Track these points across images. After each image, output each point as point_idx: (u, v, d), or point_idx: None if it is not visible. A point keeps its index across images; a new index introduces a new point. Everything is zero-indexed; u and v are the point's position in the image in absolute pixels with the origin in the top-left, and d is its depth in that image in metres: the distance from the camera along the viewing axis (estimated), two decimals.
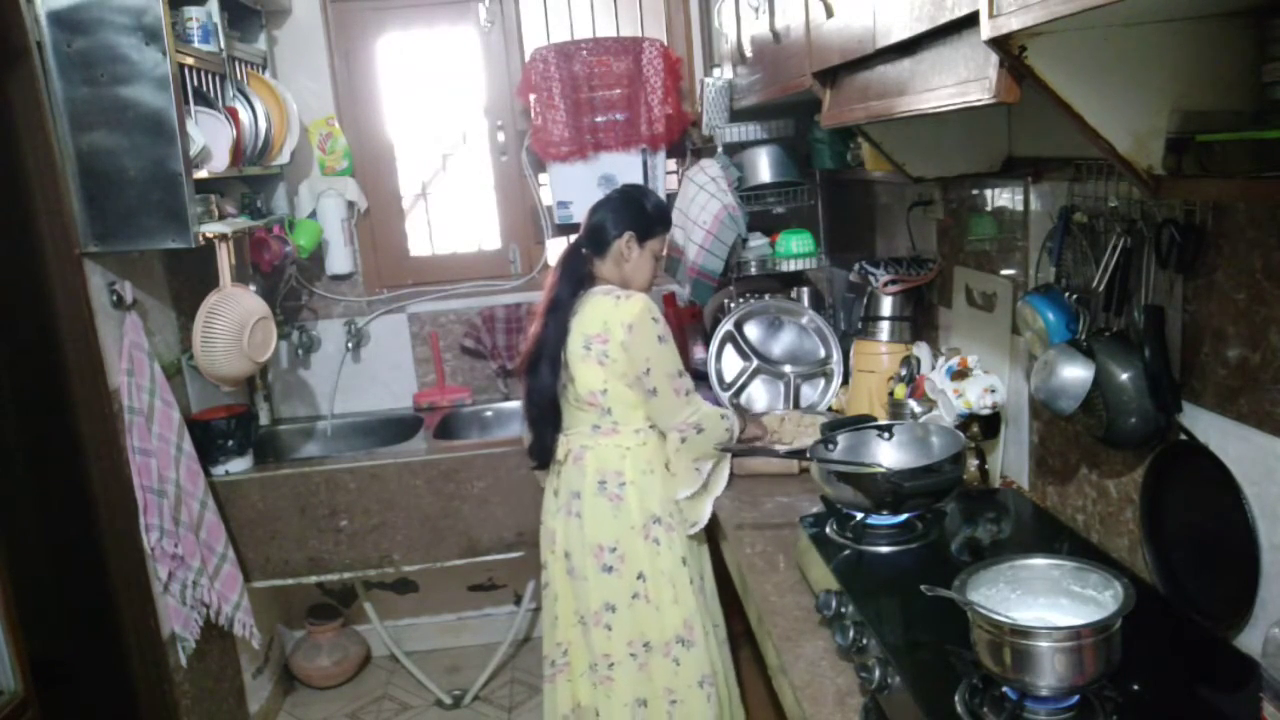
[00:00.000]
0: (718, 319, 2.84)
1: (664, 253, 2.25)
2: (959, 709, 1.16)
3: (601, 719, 2.12)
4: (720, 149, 2.77)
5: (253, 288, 2.73)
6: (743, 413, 2.34)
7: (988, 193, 1.98)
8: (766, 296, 2.83)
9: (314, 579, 2.92)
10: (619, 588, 2.08)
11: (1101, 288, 1.46)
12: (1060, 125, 1.14)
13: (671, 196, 2.90)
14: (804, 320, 2.76)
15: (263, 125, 2.72)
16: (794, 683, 1.39)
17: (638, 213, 2.17)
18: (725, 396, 2.70)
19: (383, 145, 3.31)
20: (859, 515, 1.71)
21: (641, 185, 2.31)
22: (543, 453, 2.22)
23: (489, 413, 3.34)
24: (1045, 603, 1.24)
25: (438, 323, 3.37)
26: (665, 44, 3.17)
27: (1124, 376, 1.39)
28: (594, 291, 2.13)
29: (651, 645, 2.08)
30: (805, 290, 2.90)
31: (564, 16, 3.30)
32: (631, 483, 2.10)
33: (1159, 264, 1.36)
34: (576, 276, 2.16)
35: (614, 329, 2.05)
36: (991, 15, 1.03)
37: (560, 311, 2.13)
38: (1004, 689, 1.15)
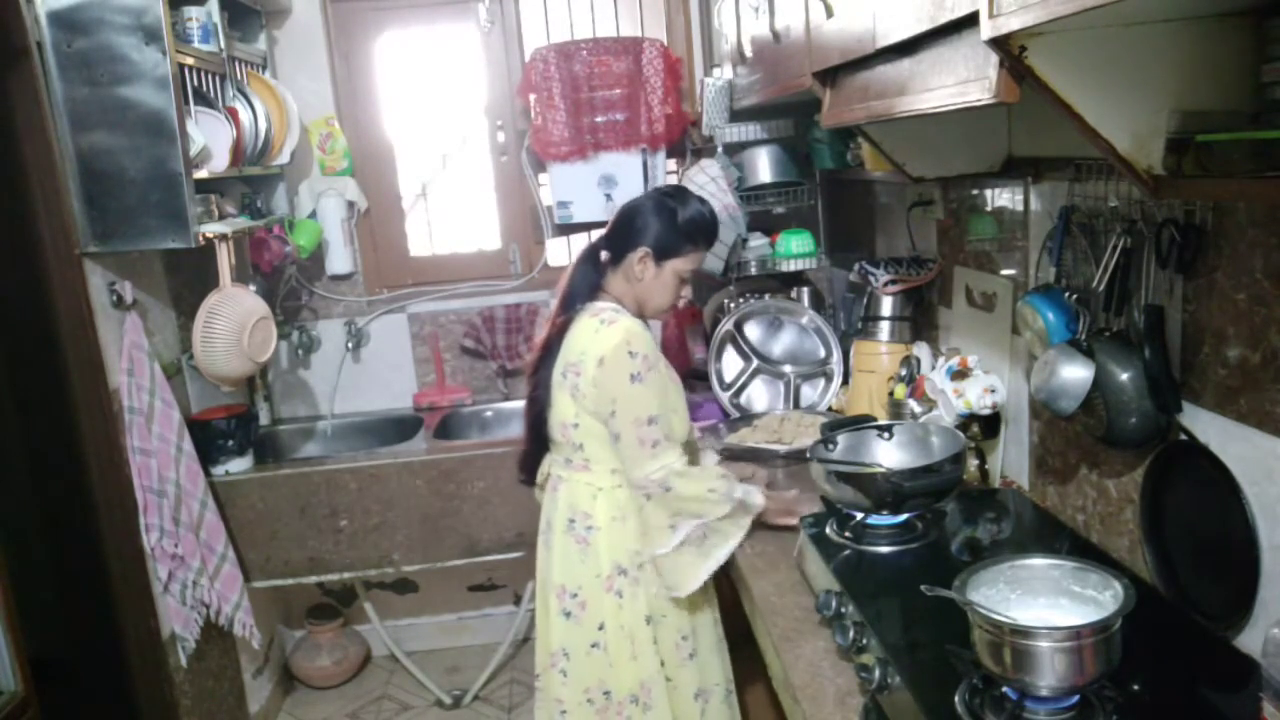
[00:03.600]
0: (718, 319, 2.84)
1: (691, 272, 1.94)
2: (959, 709, 1.16)
3: None
4: (720, 149, 2.77)
5: (253, 288, 2.73)
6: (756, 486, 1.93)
7: (988, 193, 1.98)
8: (766, 296, 2.83)
9: (314, 579, 2.92)
10: (577, 635, 1.90)
11: (1101, 288, 1.46)
12: (1060, 125, 1.14)
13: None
14: (804, 320, 2.76)
15: (263, 125, 2.72)
16: (794, 683, 1.39)
17: (665, 226, 1.86)
18: (726, 398, 2.70)
19: (383, 145, 3.30)
20: (859, 515, 1.71)
21: (684, 191, 1.98)
22: (529, 468, 2.06)
23: (489, 413, 3.34)
24: (1045, 603, 1.24)
25: (438, 323, 3.37)
26: (665, 44, 3.17)
27: (1124, 376, 1.39)
28: (585, 310, 1.89)
29: (612, 696, 1.91)
30: (805, 290, 2.91)
31: (564, 16, 3.30)
32: (600, 529, 1.88)
33: (1159, 264, 1.36)
34: (587, 283, 1.93)
35: (588, 361, 1.80)
36: (991, 15, 1.03)
37: (566, 318, 1.92)
38: (1004, 689, 1.15)
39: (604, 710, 1.92)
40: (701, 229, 1.90)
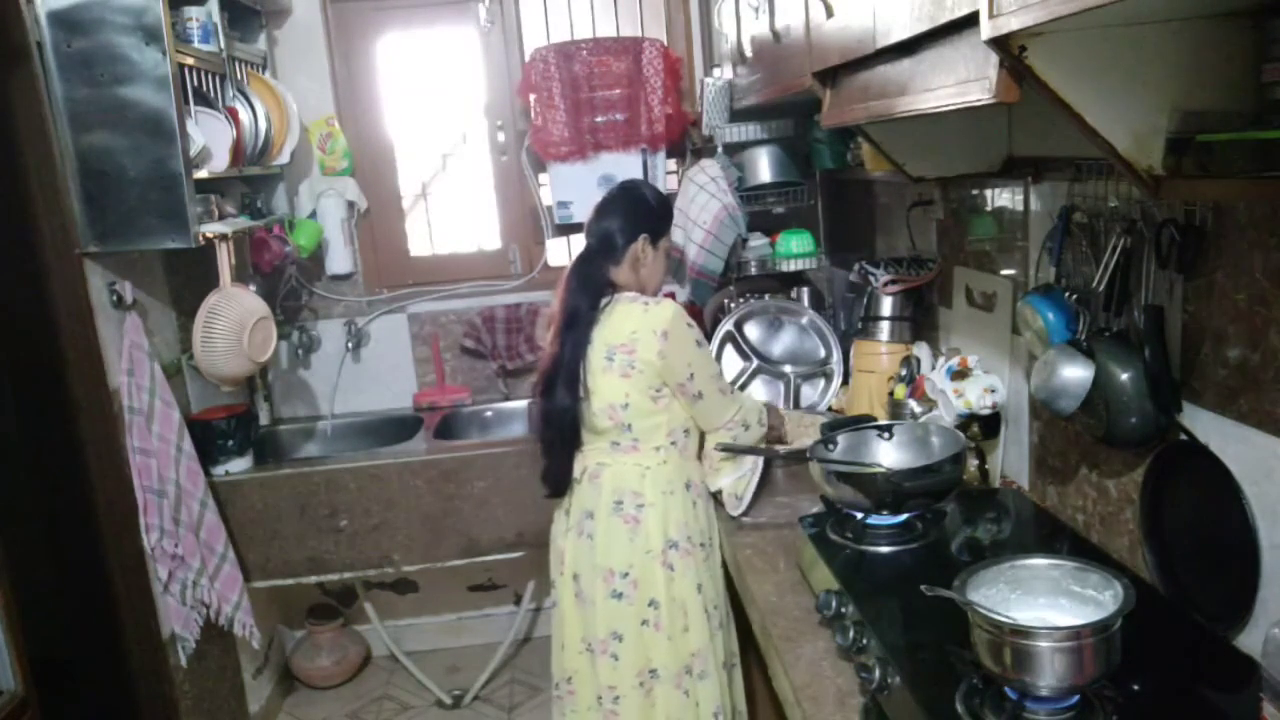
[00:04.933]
0: (718, 319, 2.84)
1: (671, 248, 2.17)
2: (959, 709, 1.16)
3: None
4: (720, 149, 2.77)
5: (253, 288, 2.73)
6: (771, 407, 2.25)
7: (988, 193, 1.98)
8: (766, 296, 2.83)
9: (314, 579, 2.91)
10: (628, 615, 1.95)
11: (1101, 288, 1.46)
12: (1060, 125, 1.14)
13: (671, 196, 2.89)
14: (804, 320, 2.76)
15: (263, 125, 2.72)
16: (794, 683, 1.39)
17: (648, 212, 2.05)
18: None
19: (383, 145, 3.30)
20: (859, 515, 1.71)
21: (641, 180, 2.18)
22: (559, 480, 2.07)
23: (489, 413, 3.34)
24: (1045, 603, 1.24)
25: (438, 323, 3.37)
26: (665, 44, 3.17)
27: (1124, 376, 1.39)
28: (620, 299, 1.99)
29: (660, 674, 1.95)
30: (805, 290, 2.90)
31: (564, 16, 3.30)
32: (651, 505, 1.96)
33: (1159, 264, 1.36)
34: (595, 286, 2.00)
35: (644, 337, 1.91)
36: (991, 15, 1.03)
37: (580, 326, 1.97)
38: (1004, 689, 1.15)
39: (650, 691, 1.96)
40: (670, 206, 2.15)
